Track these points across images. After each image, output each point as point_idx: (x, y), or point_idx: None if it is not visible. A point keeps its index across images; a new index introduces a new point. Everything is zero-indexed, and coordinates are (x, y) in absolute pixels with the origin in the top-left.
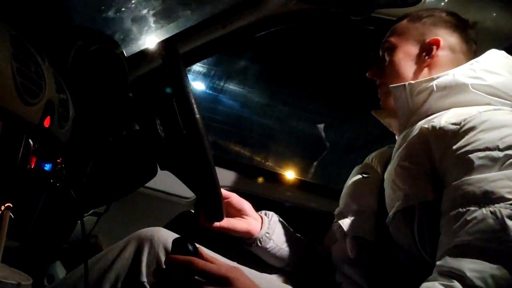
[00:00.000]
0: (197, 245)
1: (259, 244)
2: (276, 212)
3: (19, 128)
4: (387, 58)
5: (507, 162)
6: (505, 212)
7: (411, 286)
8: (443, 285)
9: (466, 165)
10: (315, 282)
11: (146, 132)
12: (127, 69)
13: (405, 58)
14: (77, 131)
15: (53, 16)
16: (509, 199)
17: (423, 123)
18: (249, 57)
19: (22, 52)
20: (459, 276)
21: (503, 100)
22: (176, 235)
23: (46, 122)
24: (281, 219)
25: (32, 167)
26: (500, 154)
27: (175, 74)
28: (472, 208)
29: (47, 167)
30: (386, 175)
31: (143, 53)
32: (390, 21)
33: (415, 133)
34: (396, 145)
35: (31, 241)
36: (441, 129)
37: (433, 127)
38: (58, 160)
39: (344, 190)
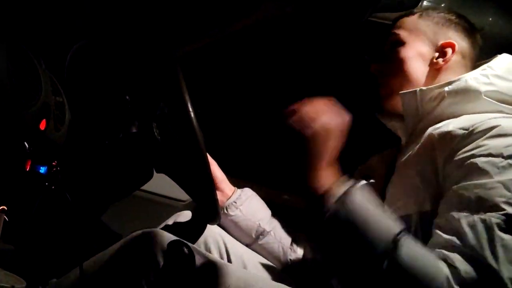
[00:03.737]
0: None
1: (225, 211)
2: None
3: (14, 131)
4: (393, 55)
5: (507, 171)
6: (495, 221)
7: None
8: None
9: (467, 169)
10: (316, 282)
11: (142, 135)
12: (124, 72)
13: (416, 58)
14: (73, 134)
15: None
16: (502, 209)
17: (431, 130)
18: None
19: (18, 55)
20: (451, 265)
21: None
22: (173, 237)
23: (42, 125)
24: (257, 195)
25: (27, 170)
26: (503, 161)
27: (171, 79)
28: (465, 214)
29: (43, 170)
30: (391, 181)
31: (141, 56)
32: (387, 25)
33: (422, 141)
34: (401, 150)
35: (25, 244)
36: (449, 133)
37: (440, 133)
38: (53, 163)
39: None
